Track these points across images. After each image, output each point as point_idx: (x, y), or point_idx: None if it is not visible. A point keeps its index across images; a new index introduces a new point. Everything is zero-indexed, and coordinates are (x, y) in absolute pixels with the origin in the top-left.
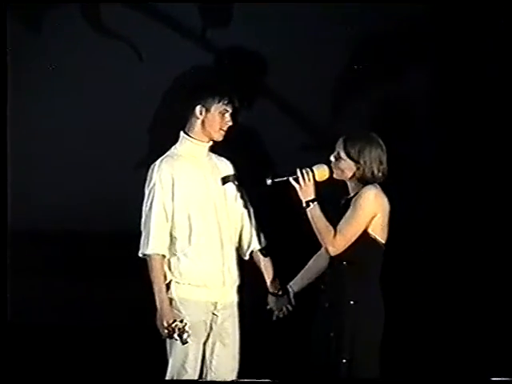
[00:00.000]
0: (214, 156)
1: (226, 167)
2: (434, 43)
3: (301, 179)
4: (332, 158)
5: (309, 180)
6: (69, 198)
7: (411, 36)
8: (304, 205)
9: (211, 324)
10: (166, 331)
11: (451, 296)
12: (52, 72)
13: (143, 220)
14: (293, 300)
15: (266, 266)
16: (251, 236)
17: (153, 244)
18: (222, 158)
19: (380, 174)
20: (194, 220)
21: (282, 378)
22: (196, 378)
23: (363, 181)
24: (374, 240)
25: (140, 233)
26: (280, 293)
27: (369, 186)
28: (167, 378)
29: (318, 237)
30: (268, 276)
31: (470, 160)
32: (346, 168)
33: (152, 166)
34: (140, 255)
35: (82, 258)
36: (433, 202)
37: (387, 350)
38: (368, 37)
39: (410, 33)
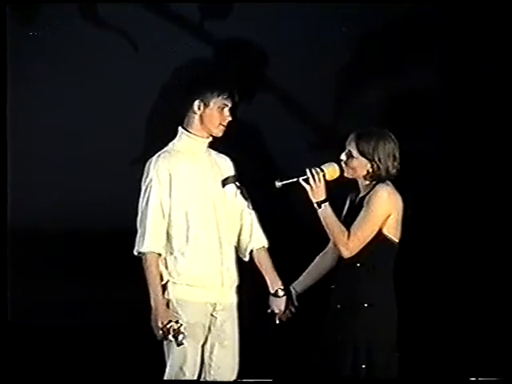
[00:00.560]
0: (213, 152)
1: (226, 164)
2: (436, 40)
3: (311, 180)
4: (343, 157)
5: (319, 180)
6: (69, 196)
7: (415, 32)
8: (315, 206)
9: (210, 326)
10: (160, 332)
11: (450, 296)
12: (50, 69)
13: (139, 217)
14: (296, 302)
15: (266, 266)
16: (251, 235)
17: (148, 242)
18: (222, 155)
19: (394, 171)
20: (192, 218)
21: (284, 378)
22: None
23: (376, 178)
24: (389, 240)
25: None
26: (282, 294)
27: (382, 185)
28: None
29: (331, 238)
30: (269, 276)
31: (475, 157)
32: (359, 166)
33: (148, 161)
34: (135, 253)
35: (83, 258)
36: (441, 199)
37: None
38: (372, 32)
39: (413, 28)
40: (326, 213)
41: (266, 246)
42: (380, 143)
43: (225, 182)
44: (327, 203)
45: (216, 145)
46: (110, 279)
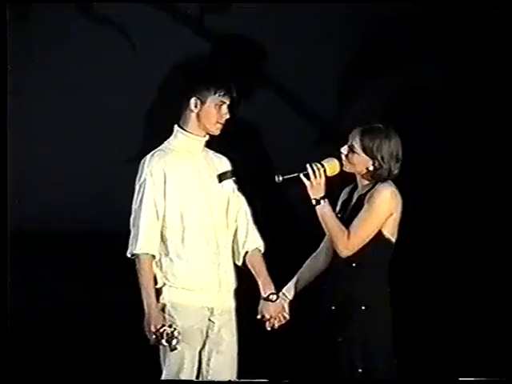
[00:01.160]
0: (210, 152)
1: (223, 164)
2: (441, 38)
3: (312, 175)
4: (344, 150)
5: (320, 176)
6: (69, 196)
7: (418, 29)
8: (313, 202)
9: (207, 331)
10: (153, 337)
11: (449, 296)
12: (50, 69)
13: (132, 217)
14: (287, 308)
15: (259, 269)
16: (246, 235)
17: (142, 243)
18: (219, 155)
19: (396, 172)
20: (188, 219)
21: (280, 378)
22: None
23: (376, 177)
24: (387, 240)
25: None
26: (274, 298)
27: (385, 184)
28: None
29: (329, 237)
30: (262, 280)
31: (475, 157)
32: (359, 162)
33: (142, 160)
34: (128, 255)
35: (83, 258)
36: (440, 198)
37: None
38: (374, 28)
39: (416, 26)
40: (324, 210)
41: (262, 248)
42: (385, 142)
43: (221, 177)
44: (326, 200)
45: (213, 142)
46: (111, 278)
